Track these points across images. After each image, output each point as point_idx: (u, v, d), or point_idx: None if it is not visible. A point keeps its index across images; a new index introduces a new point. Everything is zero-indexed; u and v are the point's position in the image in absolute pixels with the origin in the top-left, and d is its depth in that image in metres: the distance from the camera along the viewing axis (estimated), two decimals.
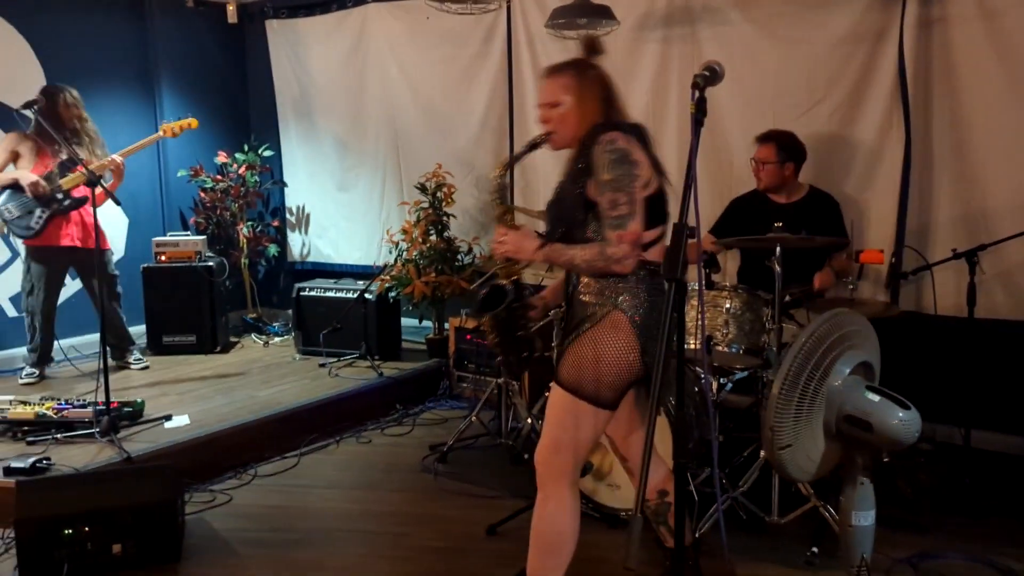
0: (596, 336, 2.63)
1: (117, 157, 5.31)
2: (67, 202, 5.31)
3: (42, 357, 5.66)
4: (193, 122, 5.62)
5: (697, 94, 2.00)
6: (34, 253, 5.46)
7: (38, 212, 5.25)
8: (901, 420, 2.44)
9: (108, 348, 4.70)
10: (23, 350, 5.77)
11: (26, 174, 5.25)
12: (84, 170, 4.99)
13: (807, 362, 2.47)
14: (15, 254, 6.36)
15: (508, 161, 3.06)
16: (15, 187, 5.27)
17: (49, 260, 5.47)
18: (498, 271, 2.90)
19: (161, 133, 5.42)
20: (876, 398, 2.49)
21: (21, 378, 5.62)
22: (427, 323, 6.42)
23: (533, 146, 2.86)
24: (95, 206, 4.66)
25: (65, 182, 5.28)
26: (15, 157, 5.32)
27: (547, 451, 2.73)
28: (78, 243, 5.44)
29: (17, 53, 6.32)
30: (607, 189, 2.51)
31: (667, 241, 2.71)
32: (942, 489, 3.96)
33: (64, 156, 5.31)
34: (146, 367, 5.92)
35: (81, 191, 5.33)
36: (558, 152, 2.84)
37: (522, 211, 4.56)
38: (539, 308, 2.97)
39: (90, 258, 5.41)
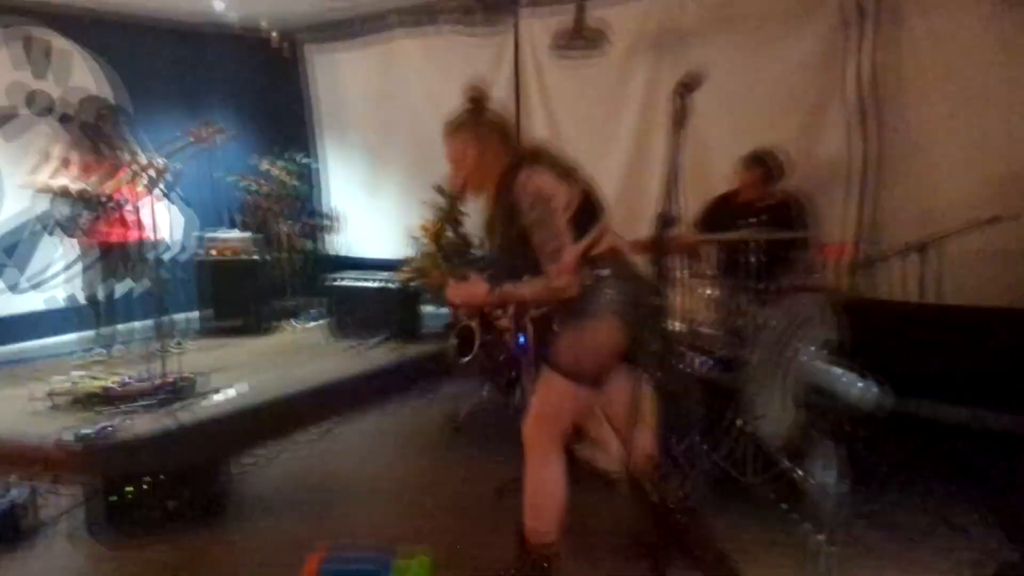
0: (583, 327, 2.61)
1: (159, 160, 5.29)
2: (109, 204, 5.31)
3: (106, 339, 5.66)
4: (219, 128, 5.56)
5: (679, 100, 1.97)
6: (86, 250, 5.48)
7: (85, 214, 5.27)
8: (860, 390, 2.42)
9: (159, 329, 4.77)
10: (93, 333, 5.78)
11: (75, 182, 5.25)
12: (131, 172, 5.12)
13: (779, 342, 2.45)
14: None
15: (438, 227, 3.04)
16: (65, 192, 5.26)
17: (99, 255, 5.47)
18: (461, 313, 2.87)
19: (191, 139, 5.40)
20: (839, 371, 2.47)
21: (91, 356, 5.62)
22: (444, 310, 6.39)
23: (454, 198, 2.85)
24: (139, 203, 4.63)
25: (108, 187, 5.28)
26: (66, 164, 5.30)
27: (536, 423, 2.72)
28: (122, 239, 5.45)
29: (91, 74, 6.38)
30: (534, 229, 2.50)
31: (612, 234, 2.72)
32: (896, 453, 3.93)
33: (107, 164, 5.33)
34: (184, 351, 5.87)
35: (121, 193, 5.35)
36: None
37: None
38: (510, 326, 2.96)
39: (128, 252, 5.47)
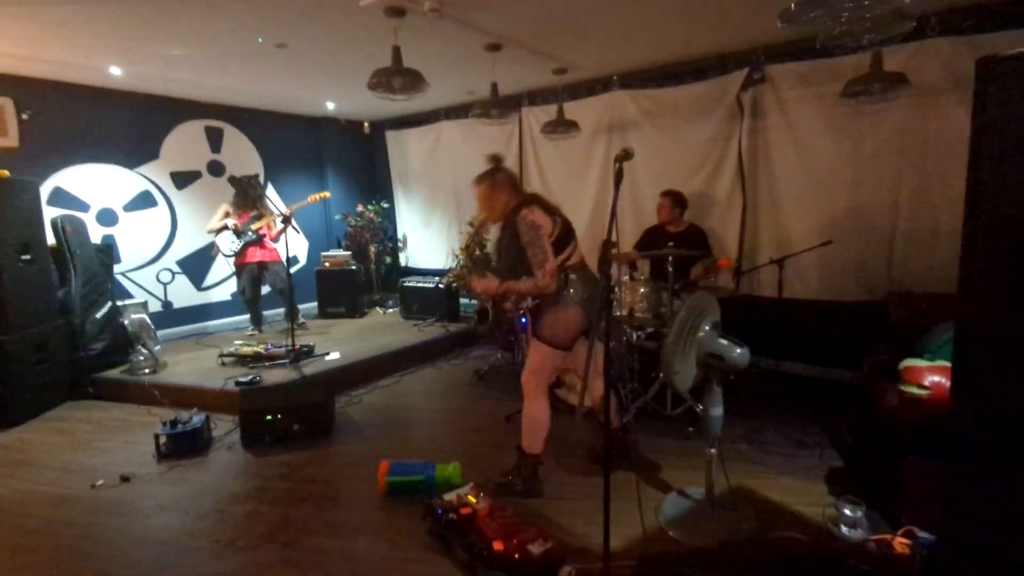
0: (557, 312, 2.61)
1: (288, 210, 5.30)
2: (254, 237, 5.30)
3: (255, 323, 5.66)
4: (326, 194, 5.54)
5: (617, 165, 1.95)
6: (239, 267, 5.43)
7: (238, 243, 5.27)
8: (738, 354, 2.39)
9: (287, 315, 4.77)
10: (248, 317, 5.80)
11: (234, 222, 5.28)
12: (273, 218, 5.23)
13: (686, 323, 2.42)
14: None
15: (471, 238, 3.08)
16: (228, 228, 5.30)
17: (247, 270, 5.41)
18: (481, 298, 2.97)
19: (310, 200, 5.41)
20: (725, 342, 2.43)
21: (248, 332, 5.64)
22: (475, 301, 6.38)
23: (481, 224, 2.90)
24: (276, 239, 4.71)
25: (254, 227, 5.30)
26: (228, 214, 5.32)
27: (528, 375, 2.72)
28: (261, 259, 5.38)
29: (247, 149, 6.38)
30: (528, 247, 2.53)
31: (578, 252, 2.72)
32: (764, 394, 3.90)
33: (253, 213, 5.34)
34: (306, 328, 5.81)
35: (262, 231, 5.34)
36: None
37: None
38: (511, 308, 2.97)
39: (267, 266, 5.40)
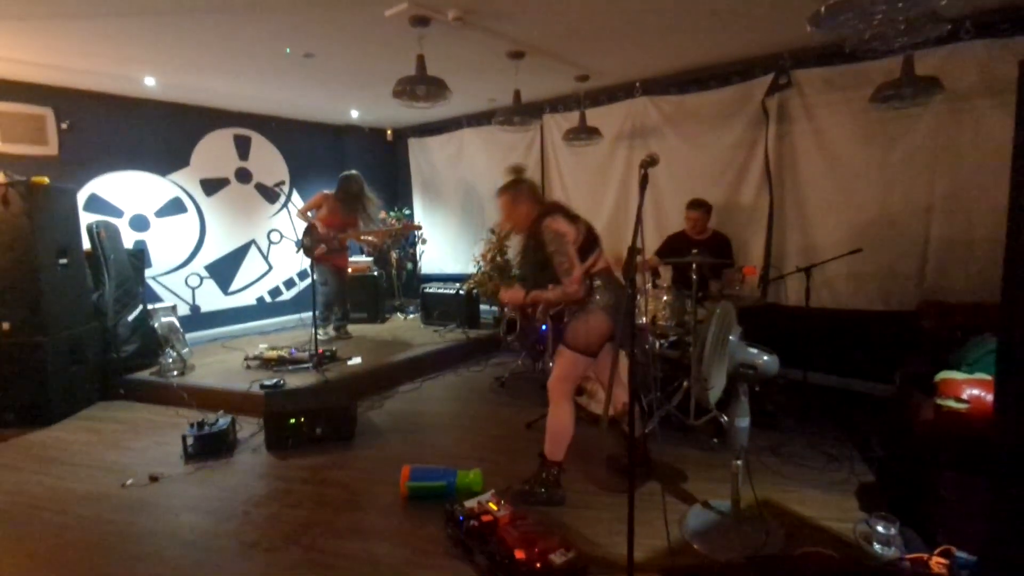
0: (584, 318, 2.59)
1: (396, 224, 5.26)
2: (336, 246, 5.19)
3: (337, 320, 5.53)
4: (418, 225, 5.67)
5: (643, 171, 1.92)
6: (323, 268, 5.25)
7: (321, 247, 5.07)
8: (767, 361, 2.34)
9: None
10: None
11: (322, 227, 5.11)
12: (368, 235, 5.20)
13: (717, 335, 2.38)
14: (271, 267, 6.51)
15: (493, 245, 3.07)
16: (313, 228, 5.12)
17: (333, 272, 5.30)
18: (508, 310, 2.98)
19: (403, 227, 5.64)
20: (755, 350, 2.39)
21: (330, 330, 5.51)
22: (494, 307, 6.38)
23: (501, 236, 2.89)
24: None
25: (343, 236, 5.18)
26: (319, 206, 5.19)
27: (555, 381, 2.69)
28: (339, 264, 5.30)
29: (273, 156, 6.49)
30: (555, 256, 2.52)
31: (604, 258, 2.70)
32: (790, 405, 3.81)
33: (347, 218, 5.16)
34: (350, 337, 5.62)
35: (346, 240, 5.25)
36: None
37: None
38: (540, 318, 2.95)
39: (344, 272, 5.34)
